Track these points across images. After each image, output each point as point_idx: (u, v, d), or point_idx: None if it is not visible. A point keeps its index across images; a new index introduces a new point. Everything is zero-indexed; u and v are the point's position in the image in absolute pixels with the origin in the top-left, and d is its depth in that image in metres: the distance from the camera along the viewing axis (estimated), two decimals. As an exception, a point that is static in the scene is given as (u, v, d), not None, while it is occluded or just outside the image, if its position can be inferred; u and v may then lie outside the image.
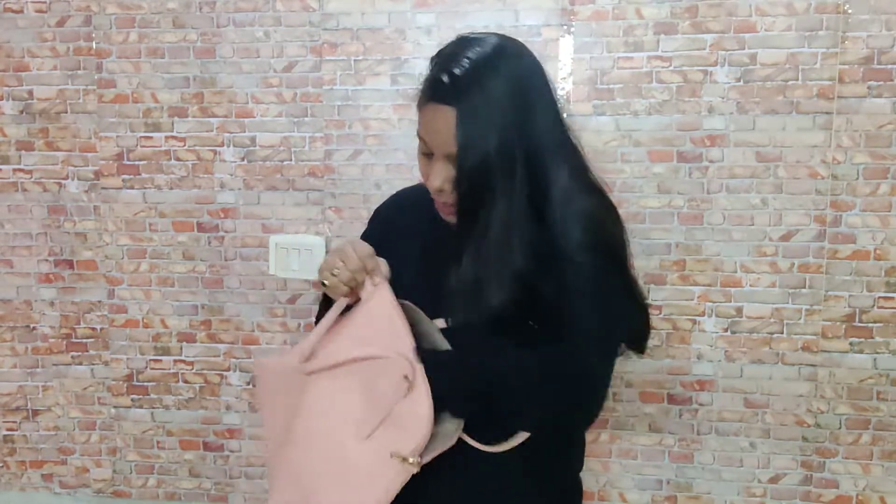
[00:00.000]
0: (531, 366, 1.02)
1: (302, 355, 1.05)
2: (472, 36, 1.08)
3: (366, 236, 1.25)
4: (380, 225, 1.24)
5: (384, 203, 1.27)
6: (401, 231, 1.19)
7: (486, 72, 1.00)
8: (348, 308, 1.08)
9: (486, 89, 0.99)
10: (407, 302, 1.05)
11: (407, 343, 0.99)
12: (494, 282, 1.00)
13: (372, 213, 1.29)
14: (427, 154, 1.05)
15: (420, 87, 1.08)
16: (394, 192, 1.29)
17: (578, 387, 1.04)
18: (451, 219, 1.07)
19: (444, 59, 1.06)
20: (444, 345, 1.04)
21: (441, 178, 1.02)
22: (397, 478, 0.97)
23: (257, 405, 1.16)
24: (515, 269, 1.01)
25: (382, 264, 1.07)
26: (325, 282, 1.04)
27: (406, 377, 0.96)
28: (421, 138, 1.06)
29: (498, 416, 1.04)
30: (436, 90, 1.03)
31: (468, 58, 1.02)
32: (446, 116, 1.00)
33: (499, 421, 1.05)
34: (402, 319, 1.01)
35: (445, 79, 1.02)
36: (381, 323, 1.01)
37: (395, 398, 0.97)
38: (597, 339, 1.04)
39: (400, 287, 1.11)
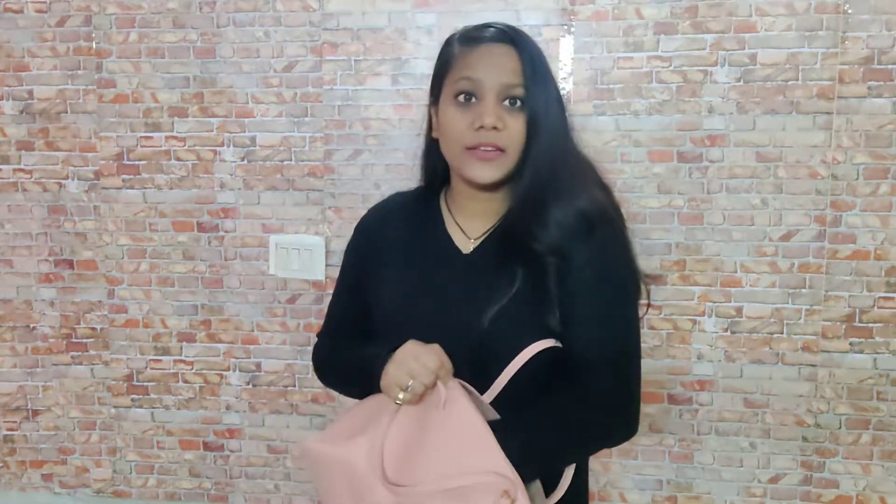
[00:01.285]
0: (570, 406, 1.01)
1: (370, 457, 0.97)
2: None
3: (352, 248, 1.22)
4: (366, 237, 1.20)
5: (368, 214, 1.23)
6: (389, 242, 1.16)
7: (525, 33, 1.09)
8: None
9: (534, 42, 1.07)
10: (467, 384, 1.00)
11: (499, 456, 0.93)
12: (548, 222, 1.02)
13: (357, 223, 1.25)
14: (466, 99, 1.04)
15: (462, 40, 1.10)
16: (393, 191, 1.27)
17: (618, 401, 1.04)
18: (486, 170, 1.04)
19: (472, 26, 1.11)
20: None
21: (495, 115, 1.01)
22: None
23: (315, 488, 1.10)
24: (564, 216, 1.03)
25: (447, 362, 1.00)
26: (399, 398, 0.98)
27: (507, 492, 0.91)
28: (464, 79, 1.04)
29: (557, 463, 1.03)
30: (488, 33, 1.07)
31: (499, 23, 1.09)
32: (506, 52, 1.04)
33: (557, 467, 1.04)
34: (486, 427, 0.95)
35: (495, 26, 1.08)
36: (468, 435, 0.95)
37: None
38: (619, 343, 1.04)
39: (394, 298, 1.10)
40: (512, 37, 1.05)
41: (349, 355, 1.14)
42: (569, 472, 1.03)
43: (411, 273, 1.11)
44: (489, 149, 1.02)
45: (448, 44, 1.11)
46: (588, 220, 1.03)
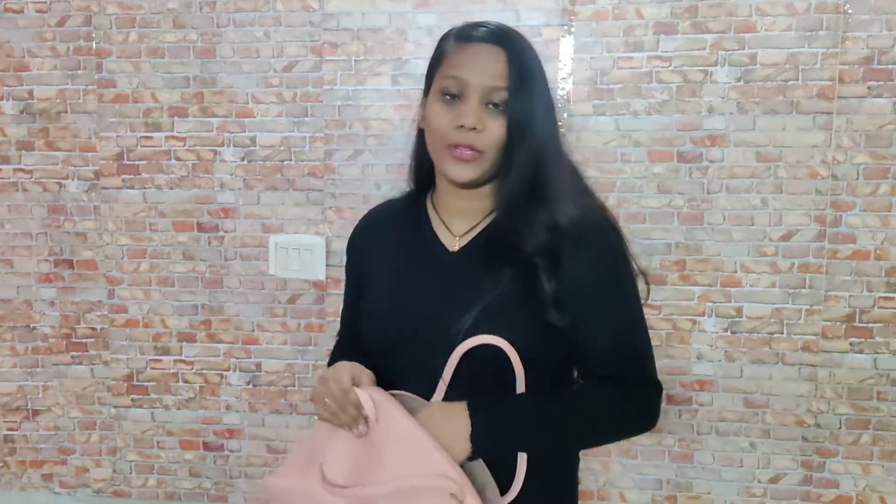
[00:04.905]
0: (604, 402, 1.06)
1: (316, 473, 1.00)
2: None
3: (347, 264, 1.24)
4: (354, 251, 1.22)
5: (356, 227, 1.24)
6: (377, 248, 1.17)
7: (519, 34, 1.08)
8: None
9: (526, 44, 1.06)
10: (401, 392, 1.02)
11: (442, 458, 0.95)
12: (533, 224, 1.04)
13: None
14: (451, 98, 1.04)
15: (455, 37, 1.09)
16: (394, 192, 1.28)
17: (649, 394, 1.10)
18: (463, 171, 1.04)
19: (469, 23, 1.10)
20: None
21: (475, 117, 1.02)
22: None
23: None
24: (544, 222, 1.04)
25: (366, 377, 1.02)
26: (318, 415, 1.04)
27: (454, 495, 0.93)
28: (451, 78, 1.04)
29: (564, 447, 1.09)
30: (480, 32, 1.07)
31: (494, 23, 1.09)
32: (495, 54, 1.04)
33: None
34: (424, 432, 0.96)
35: (489, 26, 1.07)
36: (408, 443, 0.97)
37: None
38: (642, 349, 1.11)
39: (380, 300, 1.11)
40: (503, 38, 1.05)
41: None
42: (521, 471, 1.03)
43: (398, 274, 1.12)
44: (466, 150, 1.03)
45: (443, 39, 1.11)
46: (583, 222, 1.04)
